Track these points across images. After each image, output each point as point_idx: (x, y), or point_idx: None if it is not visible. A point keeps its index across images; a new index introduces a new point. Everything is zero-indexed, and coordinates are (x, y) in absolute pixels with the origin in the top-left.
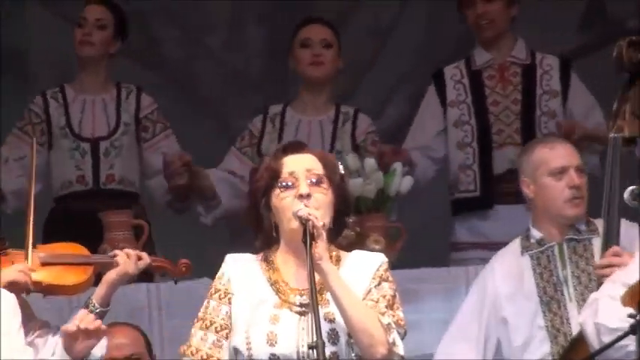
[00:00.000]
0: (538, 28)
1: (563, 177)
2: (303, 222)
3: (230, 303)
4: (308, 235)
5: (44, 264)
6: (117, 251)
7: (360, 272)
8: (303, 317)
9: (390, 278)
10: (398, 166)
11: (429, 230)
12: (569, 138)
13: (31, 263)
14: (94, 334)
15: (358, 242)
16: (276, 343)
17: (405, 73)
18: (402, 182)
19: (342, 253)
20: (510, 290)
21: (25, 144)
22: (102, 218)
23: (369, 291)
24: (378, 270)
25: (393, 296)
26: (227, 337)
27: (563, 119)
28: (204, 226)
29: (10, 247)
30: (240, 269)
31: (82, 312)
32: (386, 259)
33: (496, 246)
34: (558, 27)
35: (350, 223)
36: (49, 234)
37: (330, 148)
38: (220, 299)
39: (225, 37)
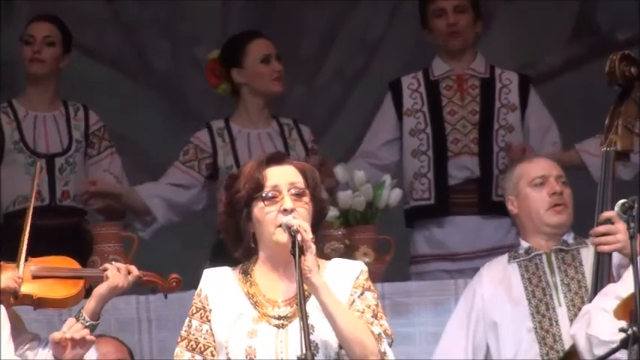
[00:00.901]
0: (527, 40)
1: (543, 186)
2: (293, 233)
3: (209, 320)
4: (297, 247)
5: (35, 277)
6: (107, 265)
7: (341, 281)
8: (281, 330)
9: (372, 287)
10: (387, 179)
11: None
12: (517, 159)
13: (22, 275)
14: (81, 344)
15: (347, 254)
16: (255, 357)
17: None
18: (390, 194)
19: (322, 262)
20: (499, 295)
21: None
22: (91, 230)
23: (353, 302)
24: (358, 279)
25: (377, 305)
26: (213, 355)
27: (513, 143)
28: (192, 235)
29: (2, 259)
30: (216, 284)
31: (70, 320)
32: (366, 268)
33: (456, 257)
34: (548, 39)
35: (339, 236)
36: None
37: None
38: (201, 318)
39: (213, 48)
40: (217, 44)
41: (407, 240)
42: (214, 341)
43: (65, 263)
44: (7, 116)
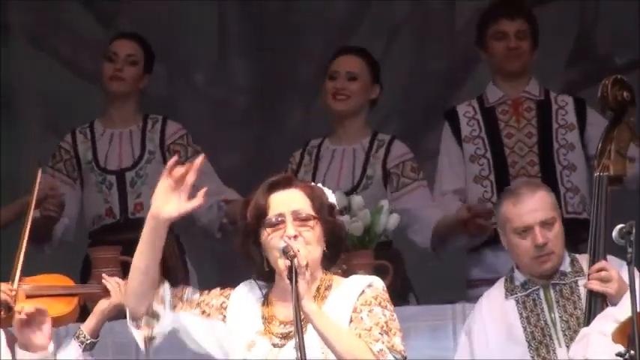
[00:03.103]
0: None
1: (527, 235)
2: (289, 257)
3: (224, 317)
4: (294, 270)
5: (29, 296)
6: (105, 277)
7: (345, 298)
8: (276, 348)
9: (385, 302)
10: (385, 204)
11: (420, 267)
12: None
13: (15, 288)
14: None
15: None
16: None
17: (391, 108)
18: (389, 219)
19: (337, 279)
20: (499, 336)
21: (61, 182)
22: (90, 254)
23: (361, 319)
24: (363, 294)
25: (388, 321)
26: (199, 309)
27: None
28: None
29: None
30: (241, 299)
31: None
32: (379, 283)
33: None
34: (546, 63)
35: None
36: (85, 274)
37: (361, 174)
38: (220, 299)
39: (210, 72)
40: (214, 69)
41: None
42: (212, 315)
43: (59, 281)
44: (84, 136)
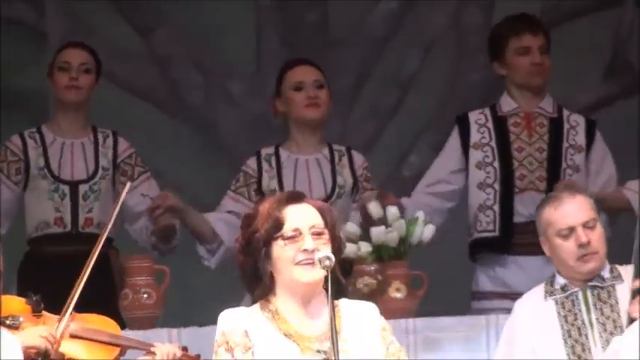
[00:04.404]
0: (563, 76)
1: (571, 236)
2: (326, 268)
3: (253, 355)
4: (330, 280)
5: (73, 336)
6: (157, 345)
7: (363, 320)
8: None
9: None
10: (420, 214)
11: (446, 277)
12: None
13: (60, 332)
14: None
15: (380, 290)
16: None
17: (427, 120)
18: (424, 231)
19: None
20: (537, 332)
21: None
22: (123, 262)
23: (387, 348)
24: (379, 319)
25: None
26: None
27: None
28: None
29: (46, 309)
30: (250, 323)
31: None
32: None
33: (518, 296)
34: (584, 76)
35: (372, 271)
36: (23, 277)
37: (332, 183)
38: (243, 353)
39: (246, 84)
40: (251, 79)
41: (438, 275)
42: None
43: (107, 326)
44: (34, 142)
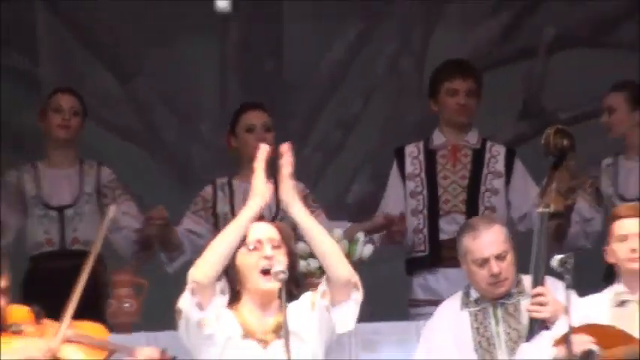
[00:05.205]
0: (482, 116)
1: (485, 266)
2: (280, 280)
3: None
4: (284, 291)
5: (68, 341)
6: (138, 349)
7: (299, 312)
8: (264, 349)
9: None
10: (360, 236)
11: (385, 288)
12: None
13: (59, 340)
14: None
15: None
16: None
17: (368, 155)
18: (364, 249)
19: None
20: (452, 340)
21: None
22: (110, 276)
23: (315, 300)
24: (307, 296)
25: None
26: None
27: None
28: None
29: (46, 317)
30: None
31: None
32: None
33: None
34: (499, 119)
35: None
36: (26, 290)
37: (276, 209)
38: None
39: (214, 124)
40: (218, 118)
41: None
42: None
43: (98, 332)
44: (29, 175)
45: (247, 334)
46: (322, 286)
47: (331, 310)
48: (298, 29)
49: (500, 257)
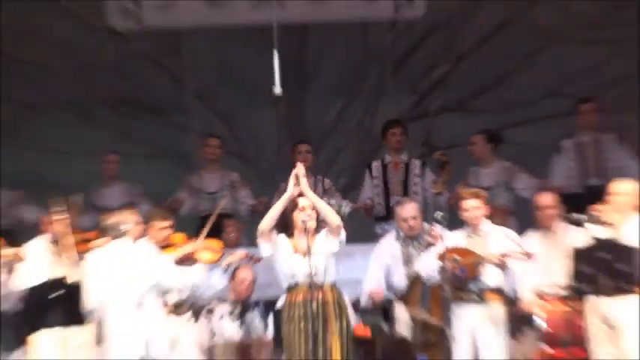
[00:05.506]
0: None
1: (407, 221)
2: (308, 226)
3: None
4: (307, 230)
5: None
6: (234, 252)
7: (320, 240)
8: (304, 259)
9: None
10: (344, 203)
11: (359, 229)
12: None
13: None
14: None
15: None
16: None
17: (340, 169)
18: (345, 210)
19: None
20: (389, 256)
21: None
22: (225, 220)
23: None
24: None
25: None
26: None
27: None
28: None
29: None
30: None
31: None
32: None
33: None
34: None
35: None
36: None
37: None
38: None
39: None
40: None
41: (355, 222)
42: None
43: (217, 245)
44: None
45: (296, 251)
46: (325, 229)
47: (331, 240)
48: None
49: (414, 218)
